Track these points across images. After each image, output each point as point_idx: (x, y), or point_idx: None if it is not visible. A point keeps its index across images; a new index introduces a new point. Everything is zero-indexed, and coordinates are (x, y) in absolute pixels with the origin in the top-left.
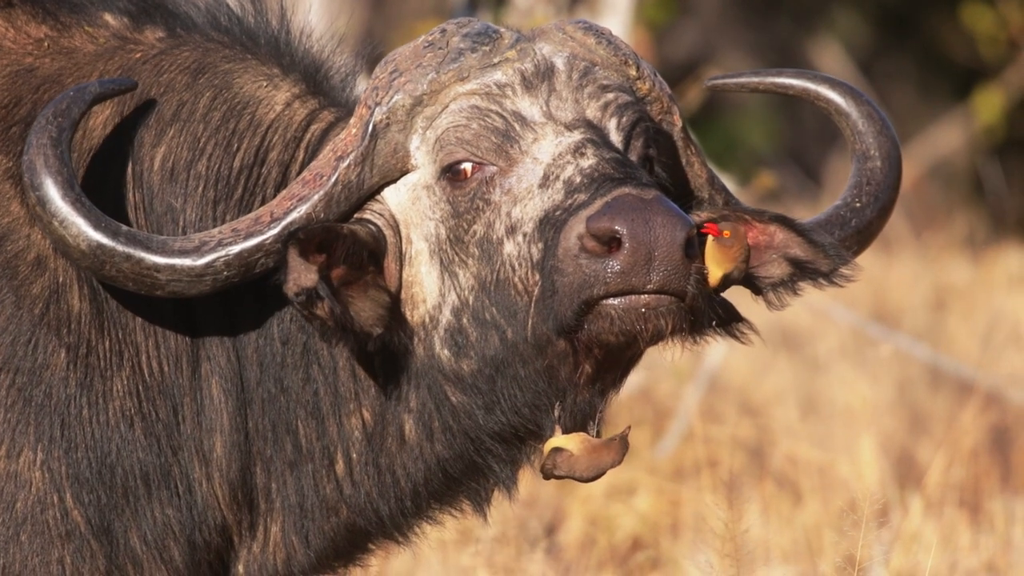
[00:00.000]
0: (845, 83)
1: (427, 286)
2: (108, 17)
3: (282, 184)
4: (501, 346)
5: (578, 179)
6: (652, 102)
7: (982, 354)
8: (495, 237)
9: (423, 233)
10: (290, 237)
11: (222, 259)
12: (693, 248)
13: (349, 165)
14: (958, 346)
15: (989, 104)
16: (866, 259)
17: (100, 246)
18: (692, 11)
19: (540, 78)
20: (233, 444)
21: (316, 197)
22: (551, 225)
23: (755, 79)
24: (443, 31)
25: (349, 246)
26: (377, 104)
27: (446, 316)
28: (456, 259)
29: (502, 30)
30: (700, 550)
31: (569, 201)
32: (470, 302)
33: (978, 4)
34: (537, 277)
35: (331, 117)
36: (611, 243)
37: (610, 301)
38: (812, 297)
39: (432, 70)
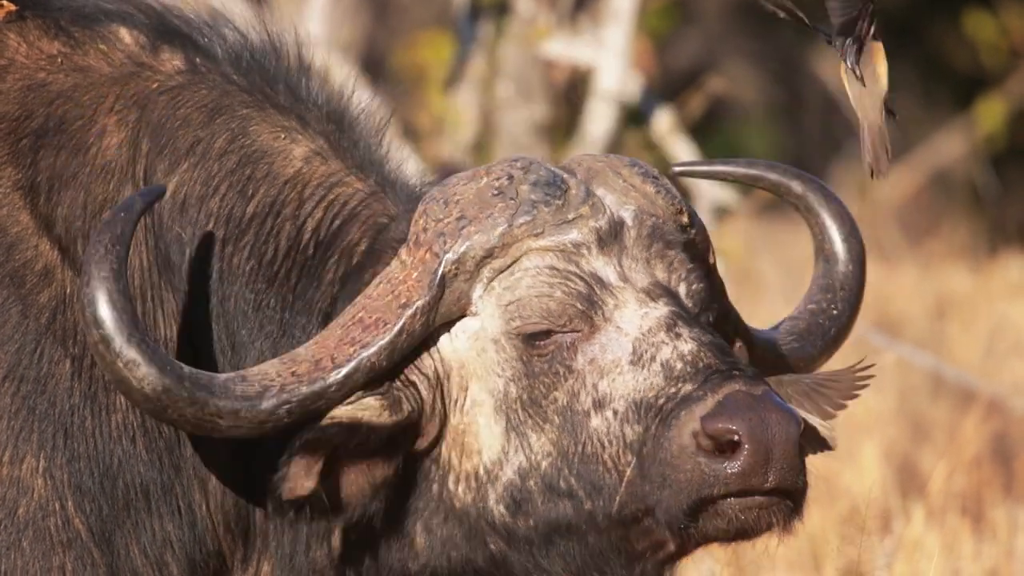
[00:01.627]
0: (816, 180)
1: (484, 439)
2: (124, 33)
3: (295, 241)
4: (574, 514)
5: (679, 366)
6: (700, 246)
7: (984, 363)
8: (580, 408)
9: (487, 387)
10: (302, 446)
11: (284, 407)
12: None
13: (415, 314)
14: (960, 355)
15: (991, 113)
16: (867, 267)
17: (166, 390)
18: (694, 20)
19: (613, 237)
20: (230, 480)
21: (379, 345)
22: (654, 413)
23: (726, 168)
24: (510, 177)
25: (363, 439)
26: (445, 253)
27: (507, 475)
28: (529, 421)
29: (569, 181)
30: (702, 559)
31: (673, 389)
32: (542, 467)
33: (980, 13)
34: (630, 458)
35: (361, 187)
36: (729, 444)
37: (728, 500)
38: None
39: (504, 222)
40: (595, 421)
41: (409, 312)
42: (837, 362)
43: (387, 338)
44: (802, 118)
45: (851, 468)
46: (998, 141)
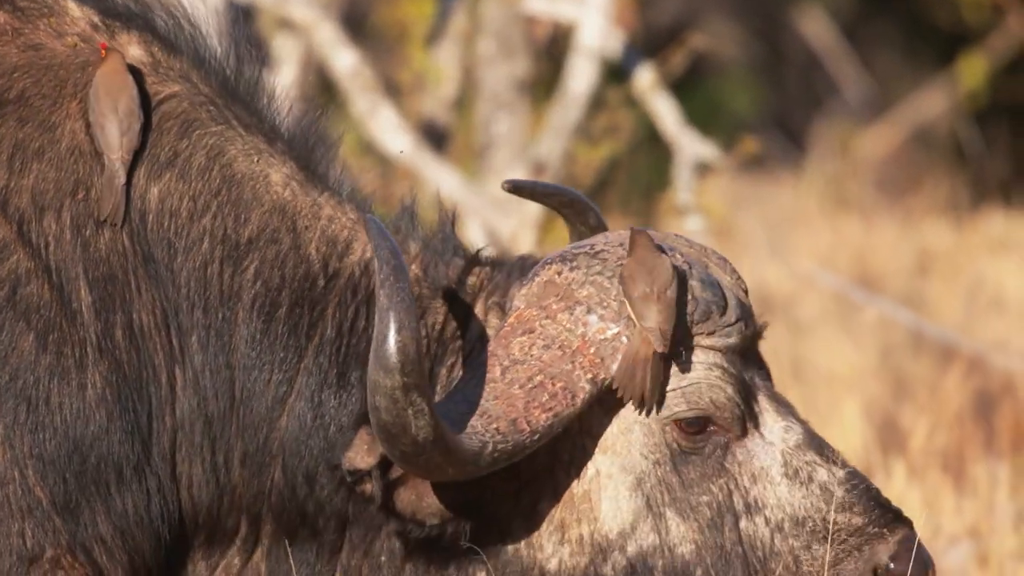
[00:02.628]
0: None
1: (607, 510)
2: (72, 6)
3: (303, 272)
4: None
5: (839, 492)
6: None
7: (965, 319)
8: (732, 508)
9: (625, 463)
10: (365, 418)
11: (494, 461)
12: None
13: (597, 391)
14: (941, 311)
15: (973, 69)
16: (847, 223)
17: (434, 441)
18: None
19: (752, 343)
20: (208, 479)
21: (567, 415)
22: (820, 535)
23: (548, 191)
24: (680, 267)
25: None
26: (631, 336)
27: (632, 550)
28: (674, 507)
29: (720, 282)
30: None
31: (842, 518)
32: (677, 552)
33: None
34: (773, 566)
35: (346, 216)
36: None
37: None
38: (794, 261)
39: (685, 317)
40: (745, 524)
41: (595, 389)
42: (820, 317)
43: (575, 409)
44: (784, 75)
45: (832, 425)
46: (980, 98)
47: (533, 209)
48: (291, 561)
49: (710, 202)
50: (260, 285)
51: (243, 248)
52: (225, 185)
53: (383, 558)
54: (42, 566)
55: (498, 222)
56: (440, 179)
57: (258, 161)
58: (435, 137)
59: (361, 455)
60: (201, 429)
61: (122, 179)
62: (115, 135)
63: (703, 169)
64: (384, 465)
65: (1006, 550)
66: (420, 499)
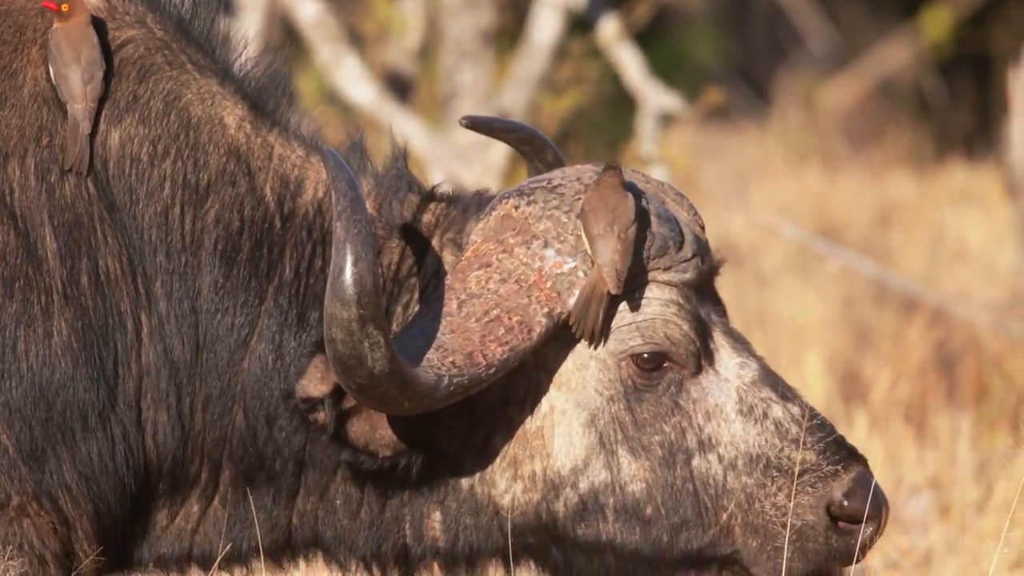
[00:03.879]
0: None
1: (559, 446)
2: None
3: (260, 214)
4: (642, 539)
5: (794, 429)
6: None
7: (928, 270)
8: (684, 446)
9: (579, 399)
10: (320, 347)
11: (451, 394)
12: None
13: (555, 324)
14: (903, 262)
15: (936, 21)
16: (810, 174)
17: (390, 373)
18: None
19: (707, 278)
20: (172, 425)
21: (523, 349)
22: (774, 471)
23: (507, 127)
24: (644, 212)
25: None
26: (587, 271)
27: (584, 487)
28: (626, 444)
29: (677, 217)
30: None
31: (793, 454)
32: (628, 490)
33: None
34: (728, 503)
35: (296, 155)
36: (856, 521)
37: (842, 570)
38: (757, 212)
39: (642, 251)
40: (698, 462)
41: (551, 324)
42: (782, 268)
43: (531, 344)
44: (748, 25)
45: (795, 375)
46: (944, 49)
47: (497, 158)
48: (250, 506)
49: (674, 153)
50: (221, 229)
51: (203, 192)
52: (183, 130)
53: (338, 502)
54: (7, 514)
55: (462, 171)
56: (404, 129)
57: (212, 104)
58: (399, 87)
59: (314, 383)
60: (167, 375)
61: (87, 128)
62: (78, 84)
63: (667, 120)
64: (337, 394)
65: (967, 501)
66: (373, 430)
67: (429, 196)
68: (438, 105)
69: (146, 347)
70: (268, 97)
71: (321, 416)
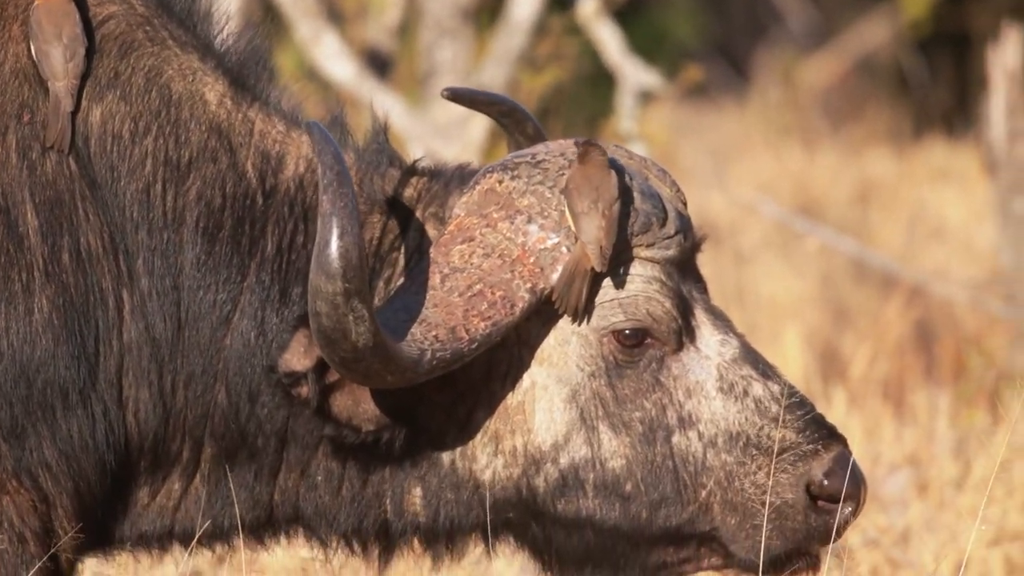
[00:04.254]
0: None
1: (540, 422)
2: None
3: (242, 190)
4: (621, 515)
5: (774, 408)
6: None
7: (906, 248)
8: (665, 423)
9: (560, 374)
10: (303, 321)
11: (433, 368)
12: None
13: (537, 300)
14: (882, 240)
15: None
16: (790, 152)
17: (374, 347)
18: None
19: (689, 256)
20: (154, 403)
21: (505, 324)
22: (753, 450)
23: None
24: (627, 188)
25: None
26: (571, 247)
27: (564, 463)
28: (607, 420)
29: (666, 203)
30: None
31: (772, 432)
32: (608, 466)
33: None
34: (707, 481)
35: (277, 130)
36: (836, 501)
37: (819, 549)
38: (736, 190)
39: (625, 228)
40: (678, 439)
41: (534, 299)
42: (762, 245)
43: (513, 319)
44: (727, 3)
45: (773, 352)
46: (923, 27)
47: (476, 135)
48: (230, 484)
49: (653, 130)
50: (203, 206)
51: (184, 169)
52: (164, 106)
53: (320, 478)
54: None
55: (441, 148)
56: (383, 106)
57: (193, 80)
58: (378, 64)
59: (297, 357)
60: (148, 353)
61: (68, 106)
62: (60, 61)
63: (646, 97)
64: (320, 368)
65: (945, 478)
66: (356, 404)
67: (410, 170)
68: (417, 82)
69: (128, 324)
70: (249, 73)
71: (304, 390)
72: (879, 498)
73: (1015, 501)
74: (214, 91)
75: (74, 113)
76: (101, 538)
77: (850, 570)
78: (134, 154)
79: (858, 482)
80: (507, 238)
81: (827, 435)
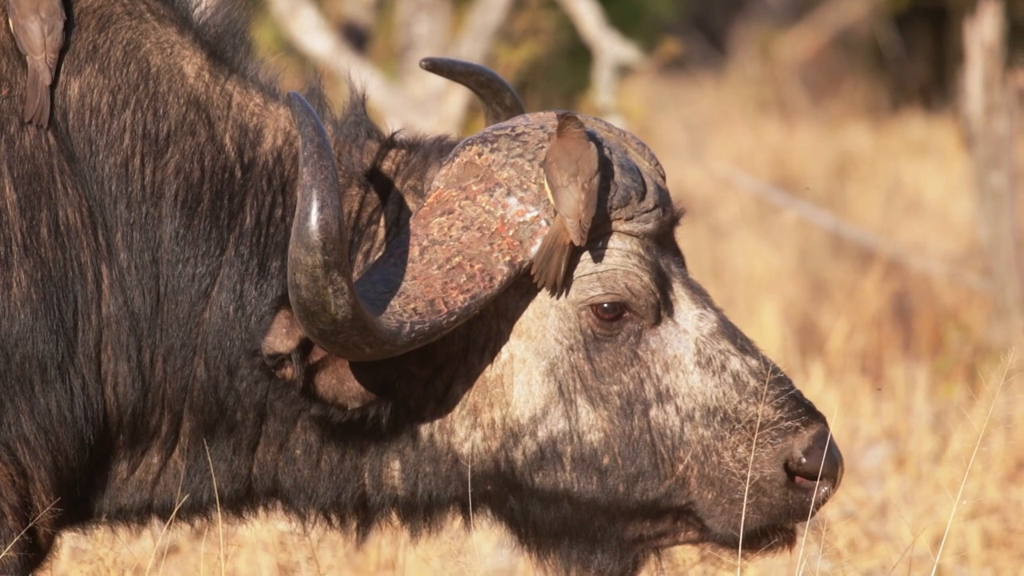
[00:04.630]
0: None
1: (519, 395)
2: None
3: (220, 164)
4: (598, 489)
5: (752, 382)
6: None
7: (884, 222)
8: (643, 397)
9: (539, 348)
10: (284, 301)
11: (413, 340)
12: None
13: (516, 273)
14: (860, 214)
15: None
16: (768, 126)
17: (352, 320)
18: None
19: (669, 229)
20: (133, 377)
21: (484, 297)
22: (731, 425)
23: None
24: (607, 162)
25: None
26: (550, 220)
27: (542, 436)
28: (585, 394)
29: (645, 176)
30: None
31: (753, 409)
32: (586, 439)
33: None
34: (685, 455)
35: (255, 103)
36: (813, 478)
37: (796, 525)
38: (714, 164)
39: (604, 202)
40: (655, 412)
41: (512, 272)
42: (739, 219)
43: (492, 292)
44: None
45: (751, 326)
46: (900, 1)
47: (453, 109)
48: (209, 457)
49: (631, 104)
50: (182, 179)
51: (162, 143)
52: (142, 80)
53: (298, 451)
54: None
55: (418, 122)
56: (361, 79)
57: (171, 54)
58: (356, 38)
59: (280, 338)
60: (127, 327)
61: (47, 80)
62: (38, 35)
63: (624, 71)
64: (304, 348)
65: (923, 452)
66: (341, 383)
67: (389, 143)
68: (394, 56)
69: (106, 298)
70: (226, 46)
71: (288, 372)
72: (857, 471)
73: (993, 475)
74: (192, 64)
75: (53, 87)
76: (80, 512)
77: (827, 543)
78: (112, 128)
79: (836, 461)
80: (486, 211)
81: (806, 412)
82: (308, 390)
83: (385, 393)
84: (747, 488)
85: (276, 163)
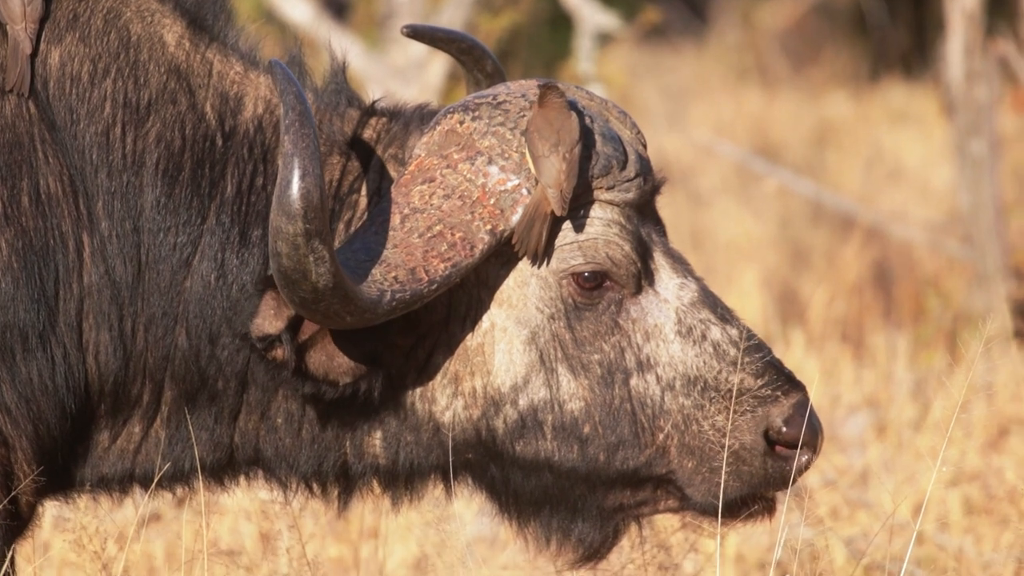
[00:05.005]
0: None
1: (501, 363)
2: None
3: (201, 132)
4: (579, 458)
5: (732, 352)
6: None
7: (864, 189)
8: (623, 366)
9: (520, 317)
10: (269, 282)
11: (393, 308)
12: None
13: (497, 242)
14: (840, 181)
15: None
16: (748, 94)
17: (333, 288)
18: None
19: (650, 198)
20: (114, 346)
21: (465, 266)
22: (712, 394)
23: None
24: (588, 131)
25: None
26: (531, 189)
27: (523, 404)
28: (565, 363)
29: (620, 136)
30: None
31: (732, 377)
32: (567, 408)
33: None
34: (665, 424)
35: (235, 71)
36: (793, 447)
37: (776, 493)
38: (695, 132)
39: (586, 171)
40: (636, 381)
41: (493, 241)
42: (720, 187)
43: (473, 260)
44: None
45: (732, 294)
46: None
47: (434, 78)
48: (191, 426)
49: (611, 72)
50: (163, 148)
51: (143, 111)
52: (123, 48)
53: (280, 420)
54: None
55: (399, 90)
56: (341, 47)
57: (151, 22)
58: (336, 6)
59: (269, 320)
60: (109, 296)
61: (27, 49)
62: (18, 4)
63: (604, 39)
64: (293, 328)
65: (904, 419)
66: (331, 359)
67: (369, 111)
68: (375, 24)
69: (88, 267)
70: (206, 13)
71: (279, 353)
72: (838, 439)
73: (974, 442)
74: (172, 32)
75: (33, 56)
76: (62, 481)
77: (809, 511)
78: (93, 96)
79: (816, 429)
80: (467, 179)
81: (786, 381)
82: (299, 369)
83: (374, 366)
84: (726, 457)
85: (257, 131)
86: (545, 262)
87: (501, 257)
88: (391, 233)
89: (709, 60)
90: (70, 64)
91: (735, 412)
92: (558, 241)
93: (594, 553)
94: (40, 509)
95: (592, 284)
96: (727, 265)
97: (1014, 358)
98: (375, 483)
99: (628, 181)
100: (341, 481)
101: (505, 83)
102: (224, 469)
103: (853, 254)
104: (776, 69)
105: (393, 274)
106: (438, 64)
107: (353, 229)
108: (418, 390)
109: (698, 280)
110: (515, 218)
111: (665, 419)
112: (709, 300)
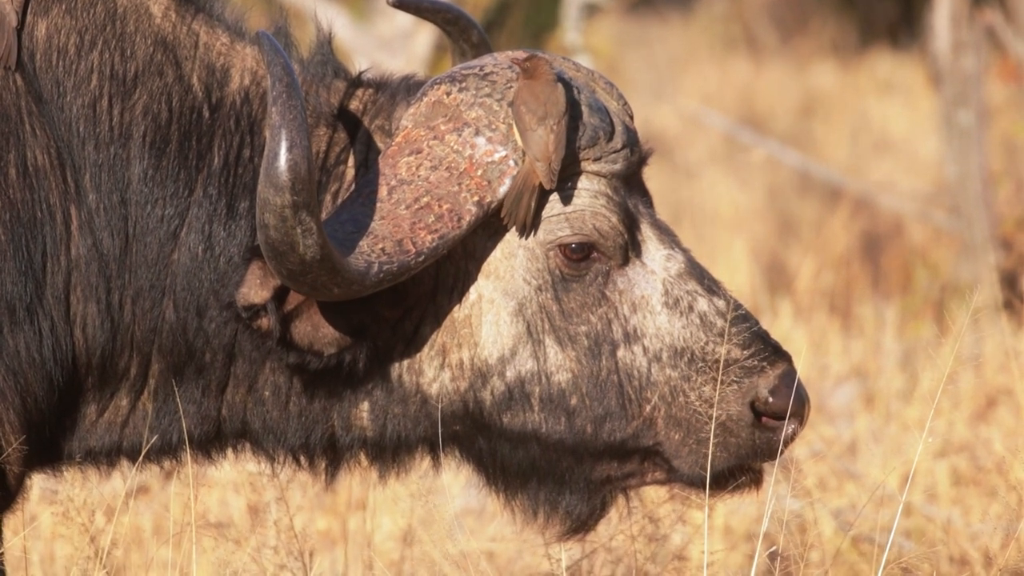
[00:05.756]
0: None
1: (488, 335)
2: None
3: (188, 104)
4: (566, 429)
5: (719, 323)
6: None
7: (851, 160)
8: (610, 338)
9: (507, 288)
10: (256, 252)
11: (381, 280)
12: None
13: (485, 213)
14: (827, 152)
15: None
16: (735, 64)
17: (321, 260)
18: None
19: (636, 169)
20: (102, 319)
21: (452, 237)
22: (698, 365)
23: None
24: (575, 102)
25: None
26: (518, 160)
27: (510, 376)
28: (552, 334)
29: (608, 107)
30: None
31: (718, 348)
32: (554, 379)
33: None
34: (652, 396)
35: (221, 42)
36: (780, 418)
37: (763, 464)
38: (682, 102)
39: (572, 142)
40: (623, 353)
41: (481, 212)
42: (707, 158)
43: (460, 232)
44: None
45: (720, 265)
46: None
47: (420, 49)
48: (178, 399)
49: (598, 42)
50: (150, 120)
51: (130, 83)
52: (109, 20)
53: (267, 393)
54: None
55: (385, 62)
56: (327, 18)
57: None
58: None
59: (255, 289)
60: (96, 268)
61: (14, 21)
62: None
63: (591, 9)
64: (278, 298)
65: (892, 390)
66: (316, 330)
67: (356, 82)
68: None
69: (75, 240)
70: None
71: (264, 322)
72: (826, 410)
73: (961, 413)
74: (158, 4)
75: (20, 28)
76: (50, 454)
77: (796, 482)
78: (80, 68)
79: (803, 400)
80: (455, 151)
81: (772, 352)
82: (284, 339)
83: (360, 337)
84: (713, 428)
85: (244, 103)
86: (532, 233)
87: (488, 229)
88: (378, 205)
89: (696, 31)
90: (57, 36)
91: (722, 383)
92: (545, 212)
93: (582, 525)
94: (28, 482)
95: (579, 255)
96: (714, 236)
97: (1002, 328)
98: (362, 455)
99: (615, 152)
100: (328, 453)
101: (492, 54)
102: (212, 442)
103: (841, 225)
104: (763, 39)
105: (380, 246)
106: (424, 35)
107: (340, 201)
108: (405, 362)
109: (685, 251)
110: (502, 190)
111: (652, 391)
112: (696, 271)
